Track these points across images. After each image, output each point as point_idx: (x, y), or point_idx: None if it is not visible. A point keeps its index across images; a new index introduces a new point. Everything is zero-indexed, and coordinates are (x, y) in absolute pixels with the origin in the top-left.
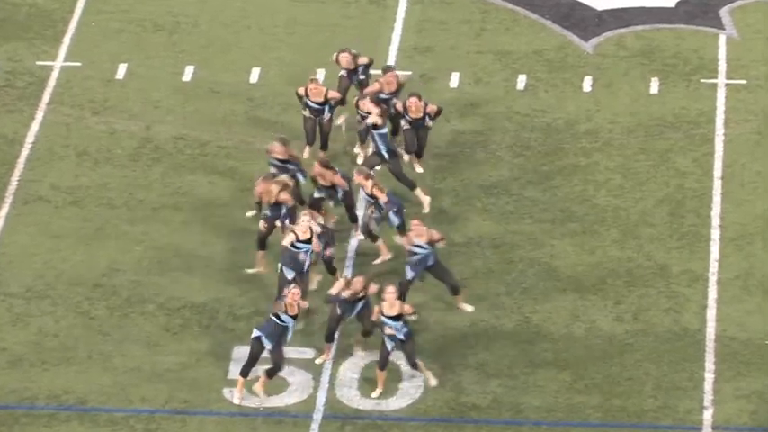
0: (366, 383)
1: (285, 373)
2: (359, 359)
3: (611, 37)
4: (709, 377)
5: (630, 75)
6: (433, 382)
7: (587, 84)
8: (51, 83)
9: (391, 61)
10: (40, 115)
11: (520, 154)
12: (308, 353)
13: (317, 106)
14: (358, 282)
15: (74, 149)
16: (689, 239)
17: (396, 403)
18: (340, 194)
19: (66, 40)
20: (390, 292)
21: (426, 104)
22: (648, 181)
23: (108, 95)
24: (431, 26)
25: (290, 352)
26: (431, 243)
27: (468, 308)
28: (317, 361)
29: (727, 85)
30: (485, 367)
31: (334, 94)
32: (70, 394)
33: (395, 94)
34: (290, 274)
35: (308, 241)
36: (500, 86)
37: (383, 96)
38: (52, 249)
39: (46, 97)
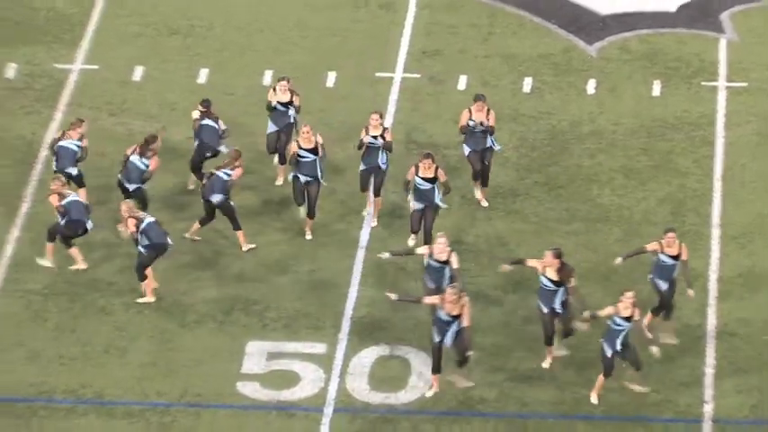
0: (376, 378)
1: (297, 367)
2: (372, 353)
3: (615, 41)
4: (709, 372)
5: (633, 78)
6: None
7: (591, 86)
8: (69, 85)
9: (400, 64)
10: (58, 116)
11: (526, 155)
12: (319, 347)
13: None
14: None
15: (91, 150)
16: (690, 238)
17: (405, 397)
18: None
19: (84, 43)
20: (629, 297)
21: (437, 168)
22: (650, 181)
23: (125, 97)
24: (439, 30)
25: (302, 347)
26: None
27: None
28: (545, 365)
29: (727, 87)
30: (492, 362)
31: (320, 140)
32: (87, 388)
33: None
34: (430, 284)
35: (444, 262)
36: (507, 89)
37: (472, 127)
38: None
39: (64, 99)
